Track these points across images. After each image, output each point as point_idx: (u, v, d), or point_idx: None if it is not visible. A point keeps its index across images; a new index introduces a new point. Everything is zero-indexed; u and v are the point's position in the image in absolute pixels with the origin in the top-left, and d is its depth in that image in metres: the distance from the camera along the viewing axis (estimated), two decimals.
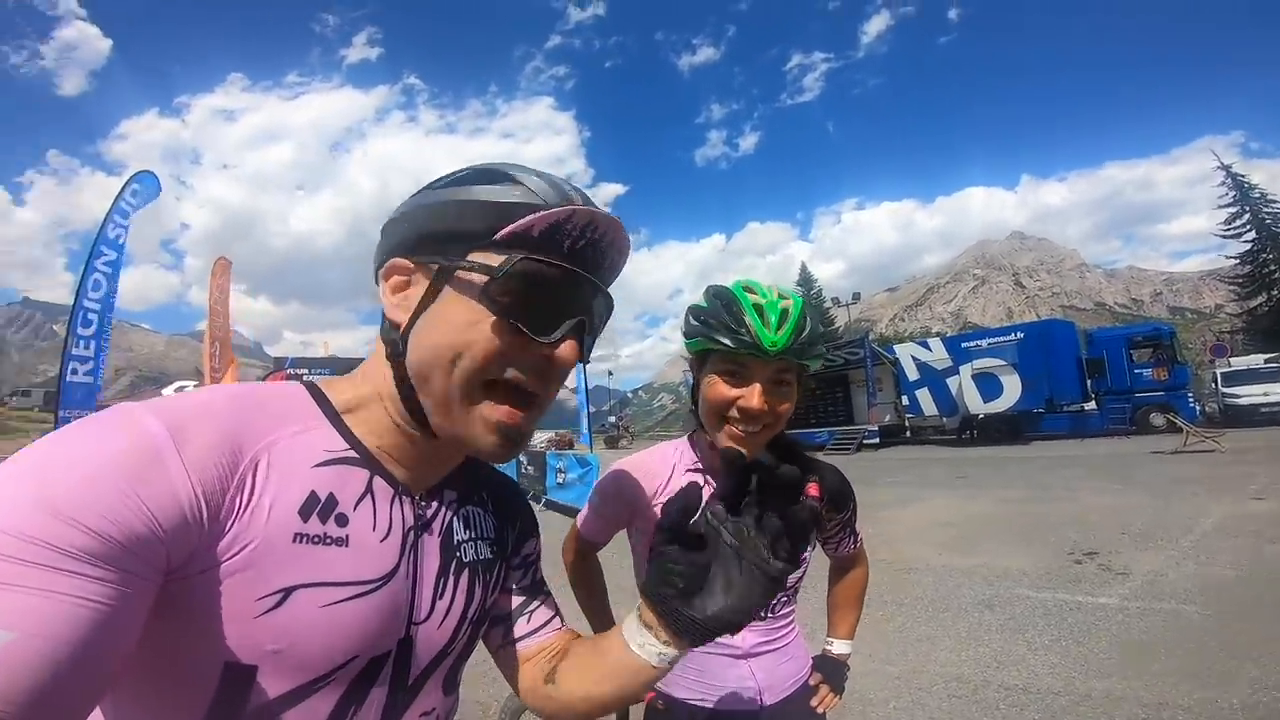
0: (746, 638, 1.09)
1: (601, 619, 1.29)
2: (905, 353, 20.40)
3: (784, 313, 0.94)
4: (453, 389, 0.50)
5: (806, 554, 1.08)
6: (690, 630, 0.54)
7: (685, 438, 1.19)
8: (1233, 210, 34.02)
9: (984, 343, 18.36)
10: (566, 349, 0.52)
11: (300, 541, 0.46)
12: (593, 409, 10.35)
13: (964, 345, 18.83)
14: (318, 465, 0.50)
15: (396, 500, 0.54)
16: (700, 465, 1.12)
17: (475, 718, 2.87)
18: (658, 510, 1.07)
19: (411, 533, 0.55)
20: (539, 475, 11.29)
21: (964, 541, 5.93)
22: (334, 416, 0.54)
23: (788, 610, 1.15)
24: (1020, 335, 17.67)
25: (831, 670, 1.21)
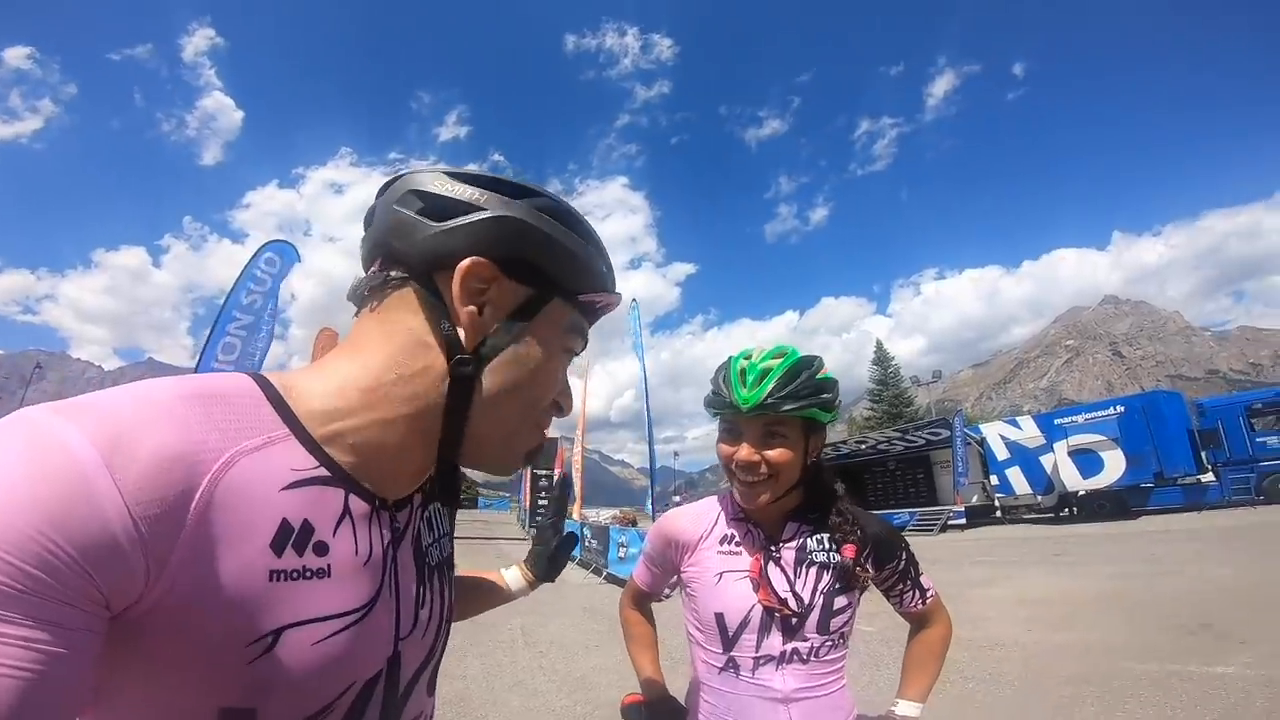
0: (788, 680, 1.02)
1: (650, 674, 1.24)
2: (992, 432, 19.92)
3: (764, 372, 1.03)
4: (523, 420, 0.54)
5: (852, 600, 1.07)
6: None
7: (727, 492, 1.20)
8: None
9: (1080, 418, 17.26)
10: (571, 404, 0.60)
11: (278, 579, 0.42)
12: (658, 488, 10.47)
13: (1057, 422, 17.89)
14: (286, 488, 0.44)
15: (374, 518, 0.50)
16: (742, 515, 1.15)
17: None
18: (705, 552, 1.14)
19: (390, 548, 0.52)
20: (602, 549, 11.29)
21: (1059, 618, 5.43)
22: (297, 427, 0.46)
23: (834, 656, 1.05)
24: (1121, 409, 16.46)
25: None
